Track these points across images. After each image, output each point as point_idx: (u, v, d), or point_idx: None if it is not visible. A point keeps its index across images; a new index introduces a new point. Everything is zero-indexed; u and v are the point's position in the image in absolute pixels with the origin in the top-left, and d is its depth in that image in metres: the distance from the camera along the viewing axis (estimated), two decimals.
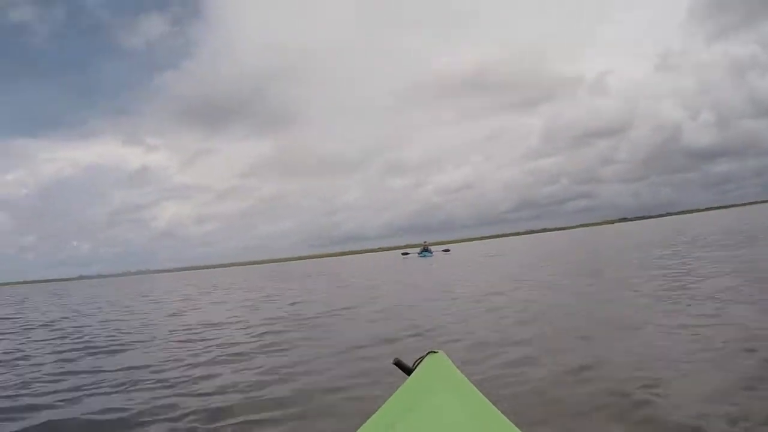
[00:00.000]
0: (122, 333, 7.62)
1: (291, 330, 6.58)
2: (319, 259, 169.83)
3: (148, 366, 4.84)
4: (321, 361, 4.50)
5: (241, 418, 3.10)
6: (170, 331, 7.48)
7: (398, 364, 1.88)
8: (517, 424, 1.26)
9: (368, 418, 1.42)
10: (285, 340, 5.75)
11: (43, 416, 3.45)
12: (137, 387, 4.07)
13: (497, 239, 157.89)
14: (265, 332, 6.45)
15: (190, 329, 7.36)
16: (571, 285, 8.69)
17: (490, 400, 1.44)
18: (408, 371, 1.82)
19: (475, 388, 1.55)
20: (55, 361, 5.55)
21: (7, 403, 3.84)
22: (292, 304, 10.23)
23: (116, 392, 3.97)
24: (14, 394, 4.16)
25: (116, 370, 4.76)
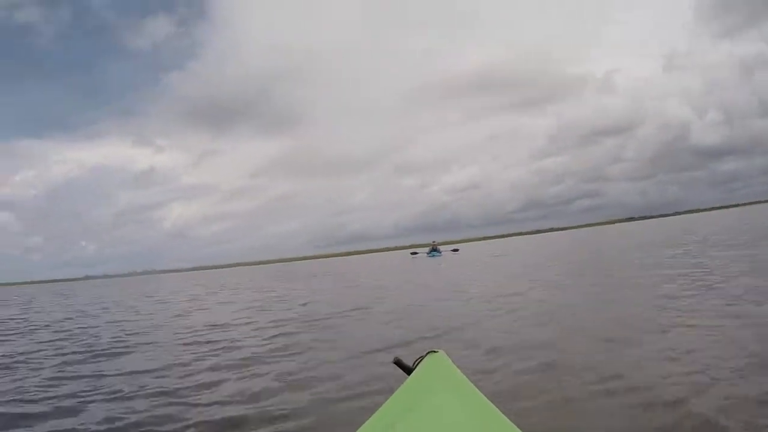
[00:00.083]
0: (128, 334, 7.46)
1: (301, 332, 6.36)
2: (325, 259, 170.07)
3: (153, 371, 4.65)
4: (334, 366, 4.27)
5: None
6: (175, 333, 7.30)
7: (398, 363, 1.86)
8: (517, 425, 1.23)
9: (368, 417, 1.39)
10: (295, 343, 5.55)
11: (37, 430, 3.23)
12: (140, 393, 3.86)
13: (504, 239, 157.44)
14: (276, 335, 6.20)
15: (197, 331, 7.18)
16: (586, 285, 8.43)
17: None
18: (408, 371, 1.80)
19: (475, 387, 1.53)
20: (56, 365, 5.35)
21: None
22: (304, 304, 10.00)
23: (116, 399, 3.76)
24: (9, 399, 3.96)
25: (118, 375, 4.58)
